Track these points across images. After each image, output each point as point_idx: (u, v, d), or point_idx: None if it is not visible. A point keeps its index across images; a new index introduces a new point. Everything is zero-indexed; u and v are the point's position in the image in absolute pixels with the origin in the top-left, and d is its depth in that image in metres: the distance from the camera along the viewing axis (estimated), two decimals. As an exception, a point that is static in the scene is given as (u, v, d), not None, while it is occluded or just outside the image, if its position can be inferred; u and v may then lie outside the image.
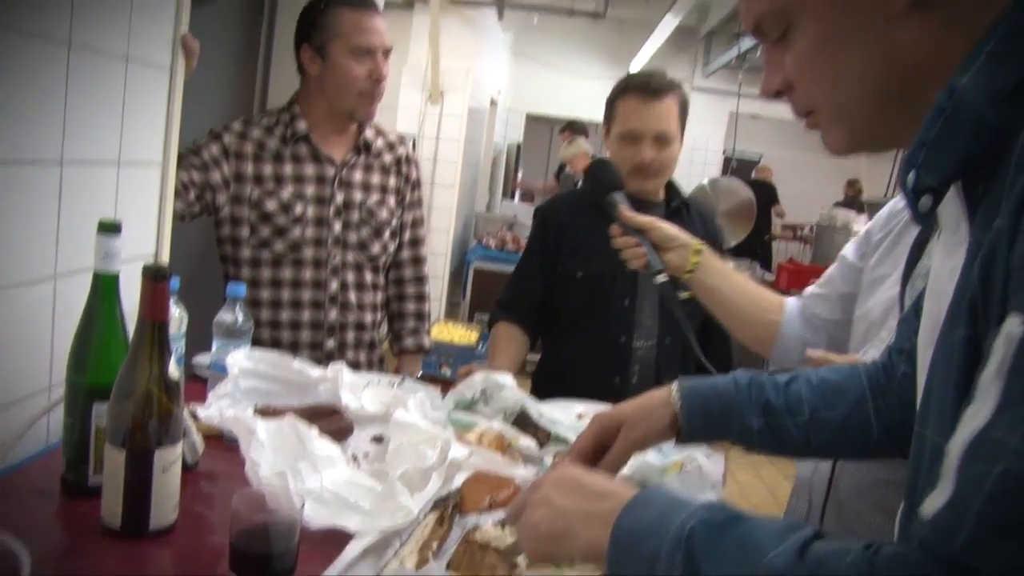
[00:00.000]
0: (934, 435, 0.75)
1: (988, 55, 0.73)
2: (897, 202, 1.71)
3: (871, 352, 1.57)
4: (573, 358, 2.33)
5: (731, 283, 1.75)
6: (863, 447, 1.24)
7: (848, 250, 1.79)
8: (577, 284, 2.28)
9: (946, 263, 0.82)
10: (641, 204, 2.04)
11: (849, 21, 0.82)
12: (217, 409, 1.51)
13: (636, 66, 9.52)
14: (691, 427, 1.25)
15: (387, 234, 2.39)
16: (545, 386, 2.10)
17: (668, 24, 7.32)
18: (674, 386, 1.27)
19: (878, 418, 1.21)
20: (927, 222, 0.81)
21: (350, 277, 2.32)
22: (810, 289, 1.84)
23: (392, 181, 2.41)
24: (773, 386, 1.25)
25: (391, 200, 2.39)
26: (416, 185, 2.50)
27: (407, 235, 2.50)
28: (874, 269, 1.68)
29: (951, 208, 0.80)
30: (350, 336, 2.34)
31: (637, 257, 1.68)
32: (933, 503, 0.65)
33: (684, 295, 1.70)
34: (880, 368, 1.24)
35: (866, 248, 1.74)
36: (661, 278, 1.63)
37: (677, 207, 2.33)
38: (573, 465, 1.13)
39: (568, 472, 1.00)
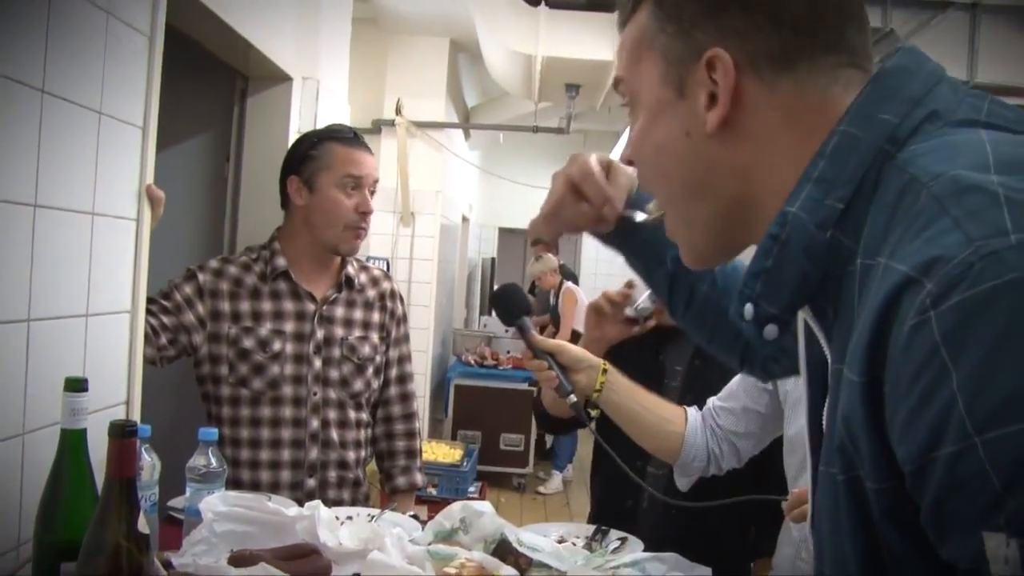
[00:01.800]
0: (831, 571, 0.73)
1: (816, 181, 0.74)
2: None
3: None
4: (592, 477, 2.35)
5: (637, 399, 1.84)
6: (722, 347, 1.28)
7: None
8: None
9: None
10: (683, 334, 2.14)
11: (669, 124, 0.84)
12: (191, 557, 1.49)
13: (603, 175, 9.71)
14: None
15: (370, 371, 2.35)
16: None
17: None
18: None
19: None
20: (776, 349, 0.82)
21: (332, 415, 2.28)
22: (714, 401, 1.95)
23: (376, 317, 2.39)
24: None
25: (374, 336, 2.37)
26: (402, 320, 2.48)
27: (394, 372, 2.47)
28: (797, 388, 1.76)
29: (815, 331, 0.80)
30: (332, 475, 2.29)
31: (548, 379, 1.73)
32: None
33: (594, 413, 1.76)
34: None
35: None
36: (572, 398, 1.70)
37: None
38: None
39: None
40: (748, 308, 0.77)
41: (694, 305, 1.28)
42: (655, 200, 1.19)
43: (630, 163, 0.92)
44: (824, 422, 0.76)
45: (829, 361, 0.76)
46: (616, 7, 0.94)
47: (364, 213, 2.24)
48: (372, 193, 2.28)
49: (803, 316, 0.81)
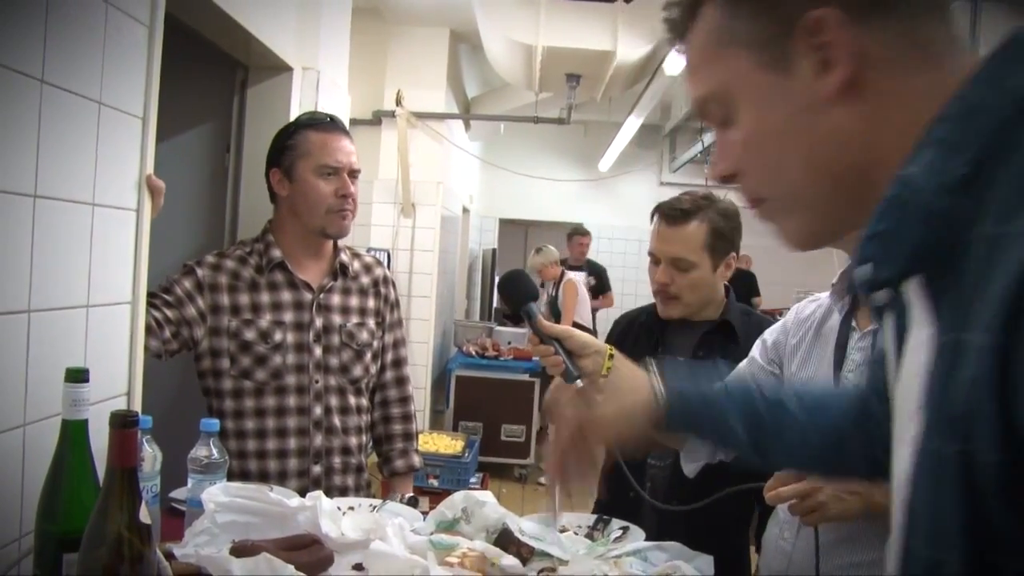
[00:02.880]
0: (926, 548, 0.70)
1: (938, 143, 0.71)
2: (803, 308, 1.89)
3: None
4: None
5: None
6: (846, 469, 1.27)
7: (756, 353, 1.94)
8: None
9: (915, 359, 0.76)
10: (686, 324, 2.22)
11: (783, 107, 0.79)
12: (193, 547, 1.49)
13: (605, 165, 9.73)
14: (672, 415, 1.30)
15: (368, 356, 2.38)
16: None
17: (632, 124, 7.51)
18: (658, 385, 1.34)
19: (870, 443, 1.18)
20: (882, 316, 0.79)
21: (333, 401, 2.30)
22: None
23: (371, 303, 2.41)
24: (763, 402, 1.28)
25: (371, 322, 2.39)
26: (395, 305, 2.51)
27: (389, 356, 2.49)
28: (798, 373, 1.82)
29: (915, 302, 0.75)
30: (336, 461, 2.31)
31: (555, 365, 1.73)
32: None
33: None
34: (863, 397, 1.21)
35: (775, 355, 1.90)
36: (578, 384, 1.68)
37: (718, 324, 2.28)
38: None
39: None
40: (867, 268, 0.74)
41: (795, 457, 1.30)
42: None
43: (731, 176, 0.87)
44: (919, 398, 0.72)
45: (931, 333, 0.72)
46: (668, 29, 0.90)
47: (344, 196, 2.26)
48: (354, 179, 2.29)
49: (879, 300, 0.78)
